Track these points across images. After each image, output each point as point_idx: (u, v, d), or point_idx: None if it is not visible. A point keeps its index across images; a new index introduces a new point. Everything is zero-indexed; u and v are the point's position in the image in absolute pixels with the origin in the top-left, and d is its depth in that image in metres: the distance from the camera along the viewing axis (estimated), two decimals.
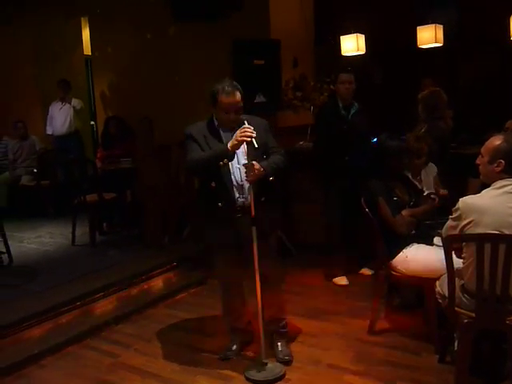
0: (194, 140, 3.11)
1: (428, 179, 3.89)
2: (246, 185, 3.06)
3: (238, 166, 3.09)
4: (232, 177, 3.09)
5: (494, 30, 5.36)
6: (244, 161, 3.06)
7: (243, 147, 3.03)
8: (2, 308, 3.82)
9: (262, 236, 3.12)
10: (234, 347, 3.39)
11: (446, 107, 4.42)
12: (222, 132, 3.12)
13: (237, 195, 3.09)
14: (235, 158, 3.06)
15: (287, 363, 3.23)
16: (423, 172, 3.88)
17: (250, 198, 3.01)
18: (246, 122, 2.96)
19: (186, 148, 3.14)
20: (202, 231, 3.30)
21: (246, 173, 2.99)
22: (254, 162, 2.97)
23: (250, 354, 3.37)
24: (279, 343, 3.34)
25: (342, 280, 4.54)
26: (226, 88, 2.99)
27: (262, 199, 3.11)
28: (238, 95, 3.01)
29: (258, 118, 3.25)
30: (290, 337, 3.46)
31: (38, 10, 7.21)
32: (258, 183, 3.06)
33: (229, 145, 2.96)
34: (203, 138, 3.08)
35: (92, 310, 4.06)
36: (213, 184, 3.10)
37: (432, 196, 3.65)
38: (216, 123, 3.13)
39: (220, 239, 3.21)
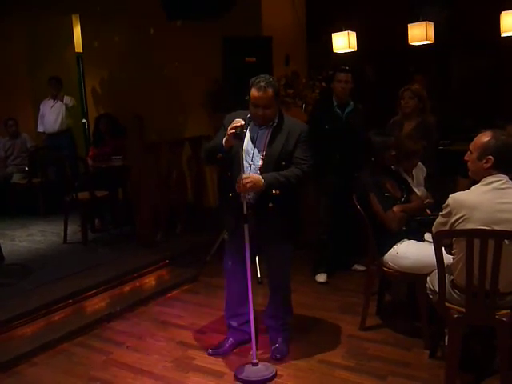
0: (223, 127, 3.10)
1: (419, 177, 3.91)
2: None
3: (250, 163, 3.04)
4: (242, 172, 3.00)
5: (486, 28, 5.39)
6: (258, 159, 3.04)
7: (262, 144, 3.03)
8: None
9: (271, 244, 3.15)
10: (226, 344, 3.39)
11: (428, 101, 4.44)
12: (251, 125, 3.07)
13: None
14: (250, 156, 3.04)
15: (276, 361, 3.23)
16: (414, 170, 3.90)
17: (243, 196, 2.97)
18: (241, 119, 2.93)
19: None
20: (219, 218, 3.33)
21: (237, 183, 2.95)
22: (250, 178, 2.92)
23: (242, 351, 3.37)
24: (277, 339, 3.34)
25: (321, 277, 4.55)
26: (260, 83, 2.95)
27: (270, 205, 3.04)
28: (270, 92, 2.95)
29: (299, 123, 3.20)
30: (290, 336, 3.44)
31: (30, 7, 7.16)
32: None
33: (223, 139, 2.96)
34: None
35: (84, 307, 4.05)
36: (229, 174, 3.09)
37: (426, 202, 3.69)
38: (248, 115, 3.07)
39: (227, 228, 3.27)
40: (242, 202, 2.98)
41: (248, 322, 3.29)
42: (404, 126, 4.34)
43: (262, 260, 3.21)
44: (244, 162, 3.00)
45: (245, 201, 2.96)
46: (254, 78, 3.02)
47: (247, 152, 3.06)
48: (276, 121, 3.09)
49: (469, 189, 2.71)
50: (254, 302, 3.14)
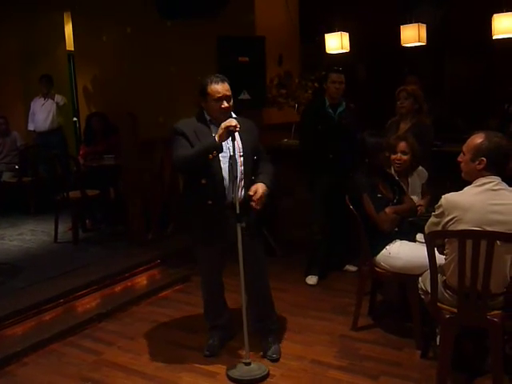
0: (183, 136, 3.08)
1: (416, 183, 3.89)
2: (236, 183, 3.02)
3: (231, 162, 3.03)
4: (223, 173, 3.04)
5: (478, 30, 5.42)
6: (237, 157, 3.04)
7: (236, 143, 3.02)
8: None
9: (250, 235, 3.13)
10: (213, 343, 3.38)
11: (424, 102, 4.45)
12: (212, 127, 3.08)
13: (227, 192, 3.06)
14: (227, 154, 3.03)
15: (274, 361, 3.23)
16: (413, 174, 3.88)
17: (235, 195, 2.98)
18: (233, 115, 3.01)
19: (175, 144, 3.08)
20: (188, 229, 3.26)
21: (252, 201, 3.02)
22: (259, 192, 3.01)
23: (234, 351, 3.36)
24: (268, 339, 3.34)
25: (311, 279, 4.54)
26: (215, 78, 3.05)
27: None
28: (227, 85, 3.06)
29: (248, 119, 3.26)
30: (279, 334, 3.46)
31: (21, 5, 7.12)
32: (249, 184, 3.08)
33: (216, 136, 2.96)
34: (194, 134, 3.05)
35: (75, 307, 4.03)
36: (203, 181, 3.06)
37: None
38: (208, 118, 3.10)
39: (206, 237, 3.16)
40: (222, 207, 3.04)
41: (229, 319, 3.42)
42: (400, 126, 4.36)
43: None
44: (223, 165, 3.04)
45: (237, 200, 2.97)
46: (206, 79, 3.07)
47: (225, 152, 3.04)
48: (235, 116, 3.13)
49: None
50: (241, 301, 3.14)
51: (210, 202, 3.06)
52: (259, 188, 3.04)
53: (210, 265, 3.30)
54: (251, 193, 3.02)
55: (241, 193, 3.08)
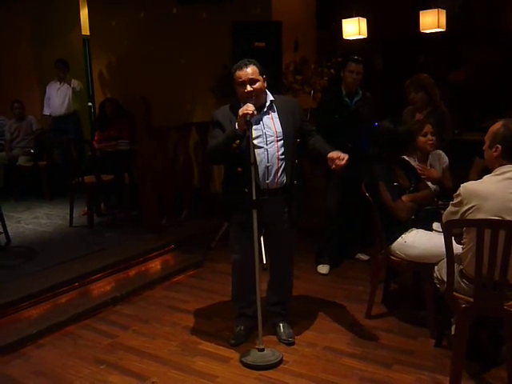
0: (218, 125, 3.10)
1: (435, 166, 3.85)
2: (273, 167, 3.05)
3: (266, 147, 3.04)
4: (257, 160, 3.01)
5: (499, 17, 5.31)
6: (274, 142, 3.04)
7: (273, 127, 3.05)
8: (0, 288, 3.82)
9: (292, 222, 3.17)
10: (240, 332, 3.34)
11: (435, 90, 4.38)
12: None
13: (262, 179, 3.05)
14: (263, 140, 3.04)
15: (290, 345, 3.25)
16: (430, 158, 3.85)
17: (251, 182, 2.94)
18: (252, 102, 2.95)
19: (209, 134, 3.18)
20: (227, 213, 3.29)
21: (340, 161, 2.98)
22: (341, 154, 2.98)
23: (249, 337, 3.36)
24: (281, 324, 3.35)
25: (322, 269, 4.51)
26: (240, 63, 3.05)
27: (295, 182, 3.13)
28: (252, 68, 3.03)
29: (292, 99, 3.27)
30: (291, 319, 3.46)
31: None
32: (290, 166, 3.08)
33: (236, 124, 2.95)
34: (229, 123, 3.03)
35: (90, 290, 4.07)
36: (239, 169, 3.06)
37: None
38: (241, 104, 3.06)
39: (242, 222, 3.12)
40: (260, 191, 3.02)
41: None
42: (416, 115, 4.30)
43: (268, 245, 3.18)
44: (257, 150, 3.01)
45: (253, 188, 2.95)
46: (234, 66, 3.11)
47: (258, 137, 3.04)
48: (272, 99, 3.13)
49: (483, 170, 2.68)
50: (260, 288, 3.14)
51: (246, 190, 3.02)
52: (339, 153, 3.00)
53: (242, 248, 3.22)
54: (335, 156, 2.98)
55: (278, 178, 3.08)
